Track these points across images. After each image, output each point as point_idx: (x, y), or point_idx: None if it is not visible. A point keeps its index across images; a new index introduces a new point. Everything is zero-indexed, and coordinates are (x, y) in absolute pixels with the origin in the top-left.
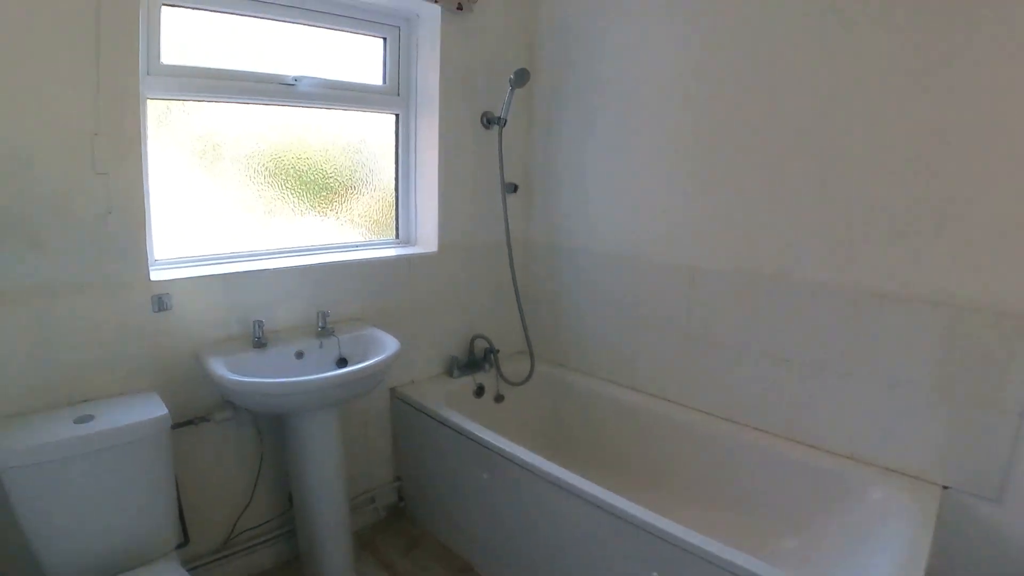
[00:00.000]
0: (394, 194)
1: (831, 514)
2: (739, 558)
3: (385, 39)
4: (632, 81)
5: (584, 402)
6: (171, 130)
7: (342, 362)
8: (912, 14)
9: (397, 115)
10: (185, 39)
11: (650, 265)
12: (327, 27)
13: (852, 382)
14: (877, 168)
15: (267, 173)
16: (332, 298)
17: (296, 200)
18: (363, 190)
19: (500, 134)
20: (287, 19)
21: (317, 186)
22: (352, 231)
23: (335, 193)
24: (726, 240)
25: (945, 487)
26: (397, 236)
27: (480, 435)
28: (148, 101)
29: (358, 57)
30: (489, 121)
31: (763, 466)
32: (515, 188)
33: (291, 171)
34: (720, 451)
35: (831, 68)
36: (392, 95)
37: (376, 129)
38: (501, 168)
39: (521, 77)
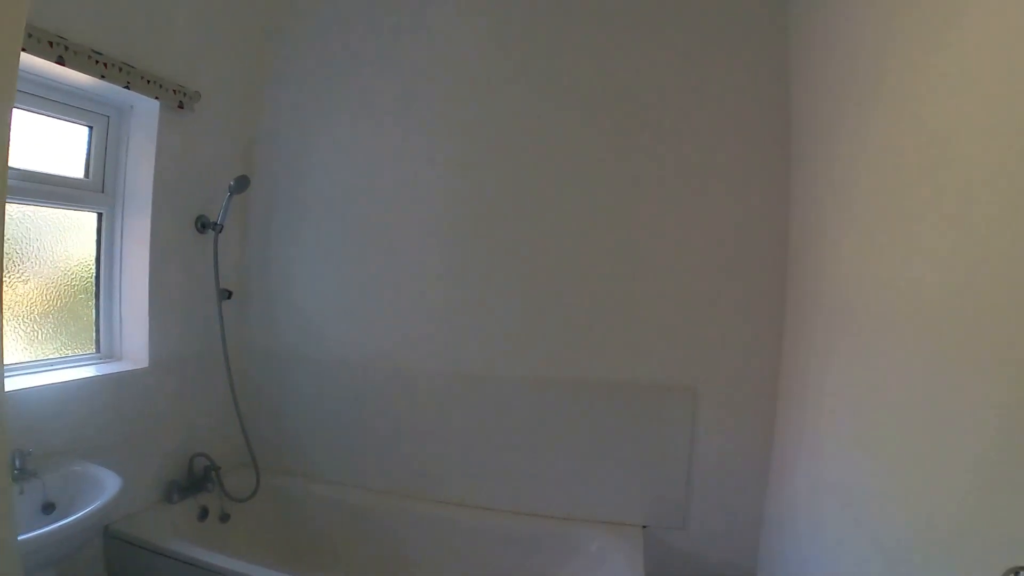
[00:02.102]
0: (94, 302)
1: (563, 568)
2: None
3: (91, 128)
4: (345, 194)
5: (315, 508)
6: None
7: (49, 508)
8: (596, 170)
9: (100, 214)
10: None
11: (370, 368)
12: (21, 107)
13: (564, 455)
14: (567, 280)
15: None
16: (27, 431)
17: None
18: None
19: (216, 240)
20: None
21: None
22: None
23: None
24: (442, 343)
25: (644, 526)
26: (98, 350)
27: (212, 562)
28: None
29: (57, 146)
30: (204, 226)
31: (498, 541)
32: (229, 295)
33: None
34: (458, 535)
35: (531, 206)
36: (96, 191)
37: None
38: (216, 275)
39: (242, 184)
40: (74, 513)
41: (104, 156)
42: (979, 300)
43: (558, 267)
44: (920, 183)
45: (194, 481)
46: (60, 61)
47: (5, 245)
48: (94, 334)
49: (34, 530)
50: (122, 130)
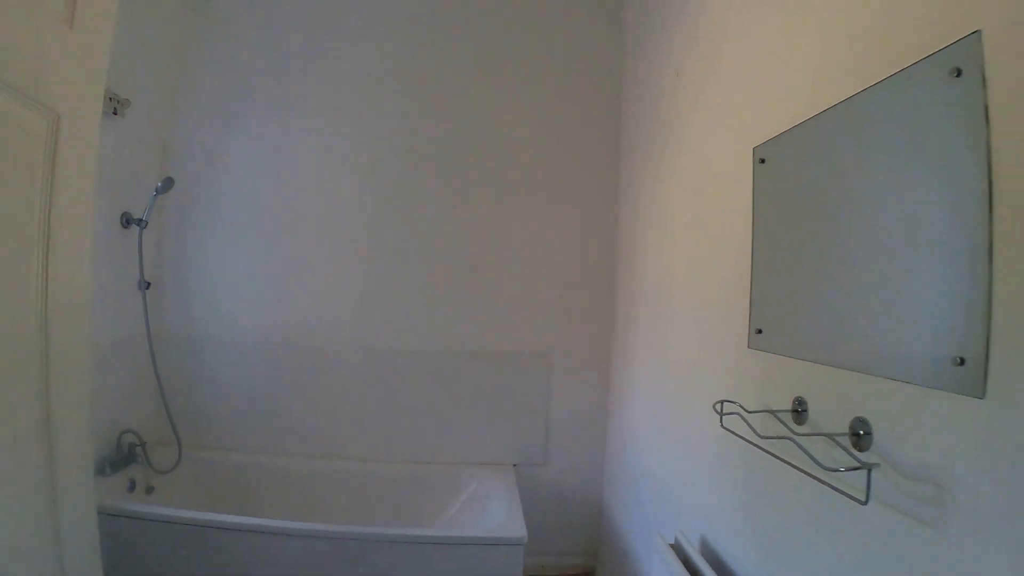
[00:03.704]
0: None
1: (456, 501)
2: (421, 532)
3: None
4: (255, 191)
5: (232, 472)
6: None
7: None
8: (472, 180)
9: None
10: None
11: (280, 348)
12: None
13: (448, 413)
14: (451, 271)
15: None
16: None
17: None
18: None
19: (140, 235)
20: None
21: None
22: None
23: None
24: (344, 324)
25: (515, 464)
26: None
27: (177, 514)
28: None
29: None
30: (128, 221)
31: (399, 484)
32: (148, 285)
33: None
34: (364, 482)
35: (421, 206)
36: None
37: None
38: (141, 266)
39: (167, 184)
40: None
41: None
42: (719, 283)
43: (444, 260)
44: (695, 208)
45: (123, 456)
46: None
47: None
48: None
49: None
50: None
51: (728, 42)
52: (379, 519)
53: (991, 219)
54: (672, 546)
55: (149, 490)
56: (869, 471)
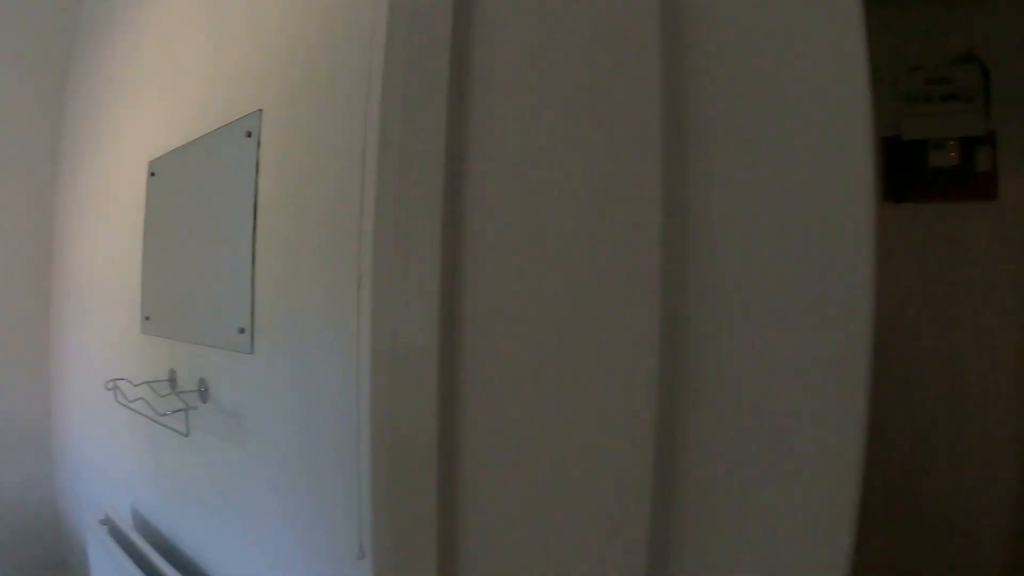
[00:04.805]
0: None
1: None
2: None
3: None
4: None
5: None
6: None
7: None
8: None
9: None
10: None
11: None
12: None
13: None
14: None
15: None
16: None
17: None
18: None
19: None
20: None
21: None
22: None
23: None
24: None
25: None
26: None
27: None
28: None
29: None
30: None
31: None
32: None
33: None
34: None
35: None
36: None
37: None
38: None
39: None
40: None
41: None
42: (122, 277)
43: None
44: (108, 210)
45: None
46: None
47: None
48: None
49: None
50: None
51: (133, 66)
52: None
53: (255, 235)
54: (103, 522)
55: None
56: (186, 413)
